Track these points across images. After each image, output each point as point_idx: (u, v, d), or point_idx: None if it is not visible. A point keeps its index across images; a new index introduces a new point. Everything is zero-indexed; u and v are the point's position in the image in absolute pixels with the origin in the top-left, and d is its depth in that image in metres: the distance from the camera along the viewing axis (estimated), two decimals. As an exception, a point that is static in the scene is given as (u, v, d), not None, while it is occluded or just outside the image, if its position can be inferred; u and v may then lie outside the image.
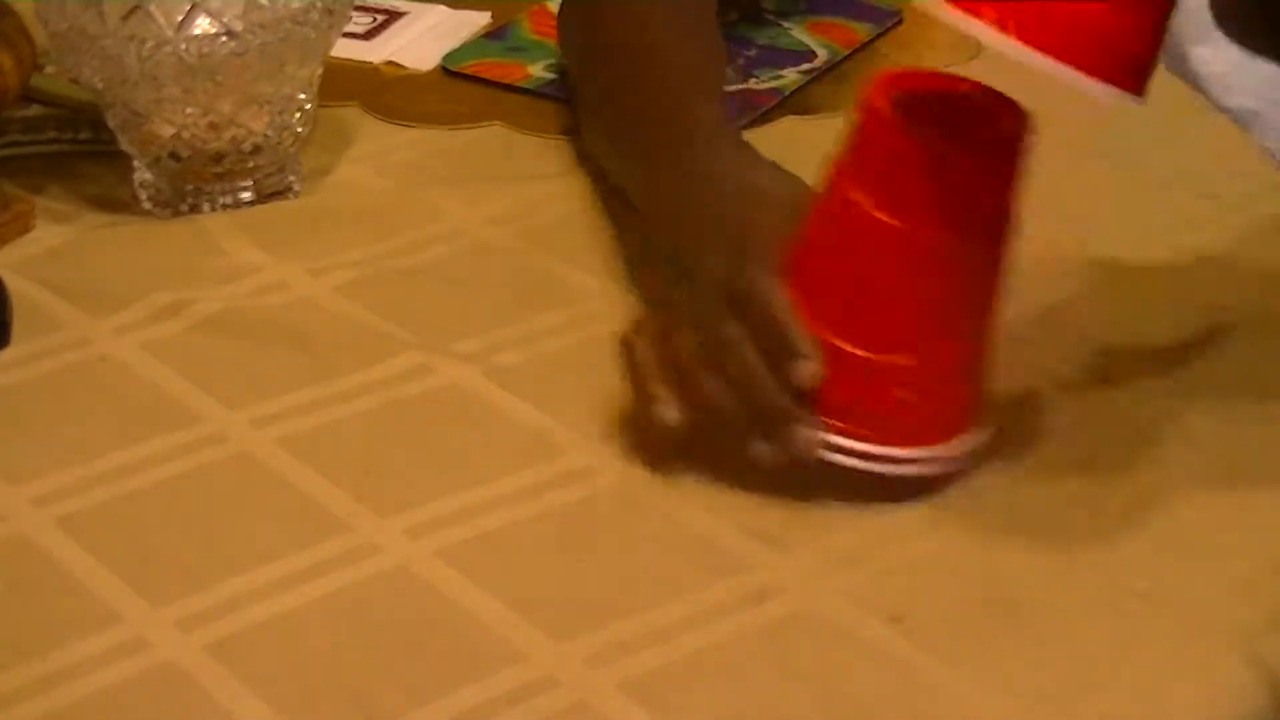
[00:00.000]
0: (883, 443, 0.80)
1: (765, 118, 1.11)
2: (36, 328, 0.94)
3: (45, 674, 0.74)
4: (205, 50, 0.97)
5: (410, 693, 0.73)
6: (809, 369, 0.79)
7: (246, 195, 1.03)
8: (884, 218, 0.78)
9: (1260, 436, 0.86)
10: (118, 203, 1.04)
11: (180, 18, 0.98)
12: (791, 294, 0.81)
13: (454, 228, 1.02)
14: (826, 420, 0.80)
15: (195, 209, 1.03)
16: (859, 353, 0.79)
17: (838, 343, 0.80)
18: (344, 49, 1.14)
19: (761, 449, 0.80)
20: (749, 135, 1.09)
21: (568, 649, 0.74)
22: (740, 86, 1.13)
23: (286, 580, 0.78)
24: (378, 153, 1.09)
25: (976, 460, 0.82)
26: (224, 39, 0.97)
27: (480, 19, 1.22)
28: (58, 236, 1.02)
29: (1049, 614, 0.76)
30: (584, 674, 0.73)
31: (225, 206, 1.03)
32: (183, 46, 0.97)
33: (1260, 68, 1.17)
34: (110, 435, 0.86)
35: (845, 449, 0.80)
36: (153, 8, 0.97)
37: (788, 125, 1.11)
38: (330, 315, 0.95)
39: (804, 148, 1.08)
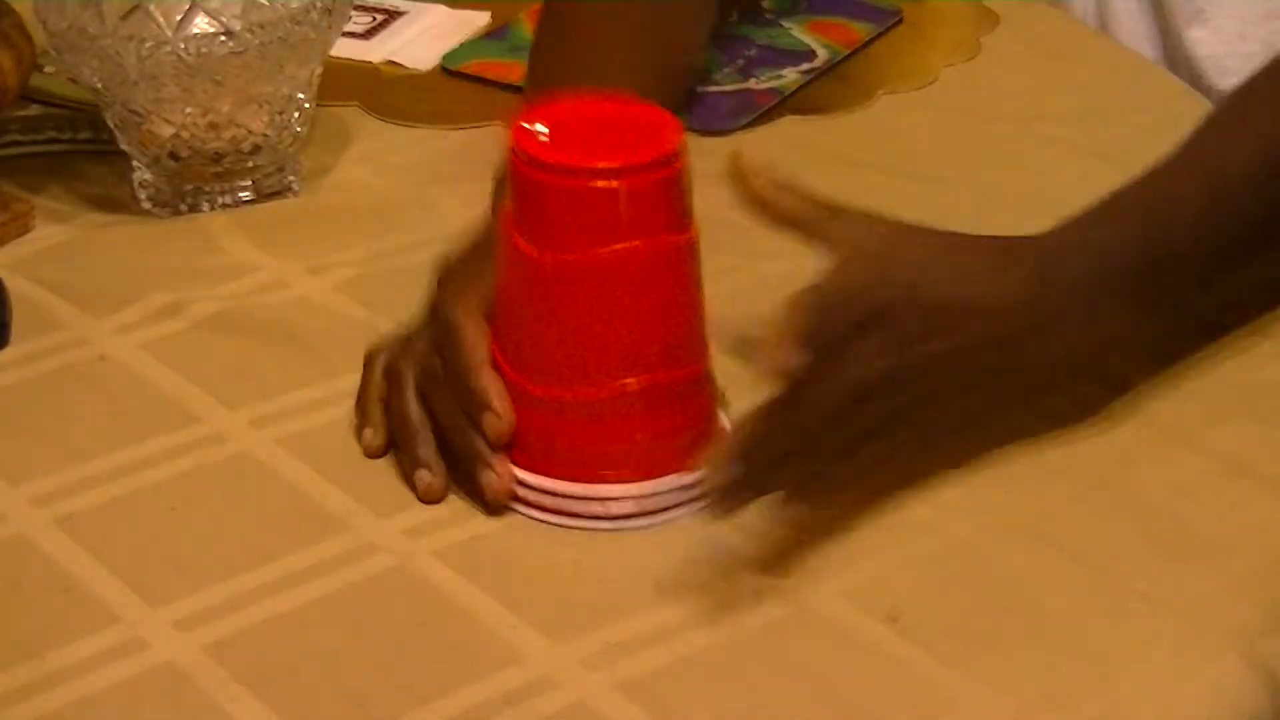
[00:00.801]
0: (582, 480, 0.80)
1: (765, 118, 1.11)
2: (36, 328, 0.94)
3: (44, 674, 0.74)
4: (204, 50, 0.97)
5: (408, 693, 0.73)
6: (491, 421, 0.79)
7: (246, 195, 1.04)
8: (526, 248, 0.78)
9: (1260, 436, 0.85)
10: (117, 202, 1.04)
11: (179, 17, 0.98)
12: (493, 337, 0.81)
13: (454, 228, 1.02)
14: (525, 463, 0.80)
15: (195, 209, 1.03)
16: (537, 391, 0.79)
17: (521, 382, 0.80)
18: (343, 48, 1.14)
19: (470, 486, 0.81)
20: (749, 135, 1.09)
21: (565, 649, 0.74)
22: (740, 86, 1.13)
23: (285, 580, 0.78)
24: (378, 153, 1.09)
25: (689, 496, 0.80)
26: (223, 39, 0.97)
27: (480, 19, 1.22)
28: (57, 236, 1.02)
29: (1047, 614, 0.76)
30: (582, 674, 0.73)
31: (225, 206, 1.03)
32: (181, 46, 0.97)
33: (1254, 49, 1.17)
34: (109, 435, 0.86)
35: (539, 488, 0.80)
36: (152, 7, 0.97)
37: (788, 125, 1.11)
38: (330, 315, 0.95)
39: (804, 148, 1.08)
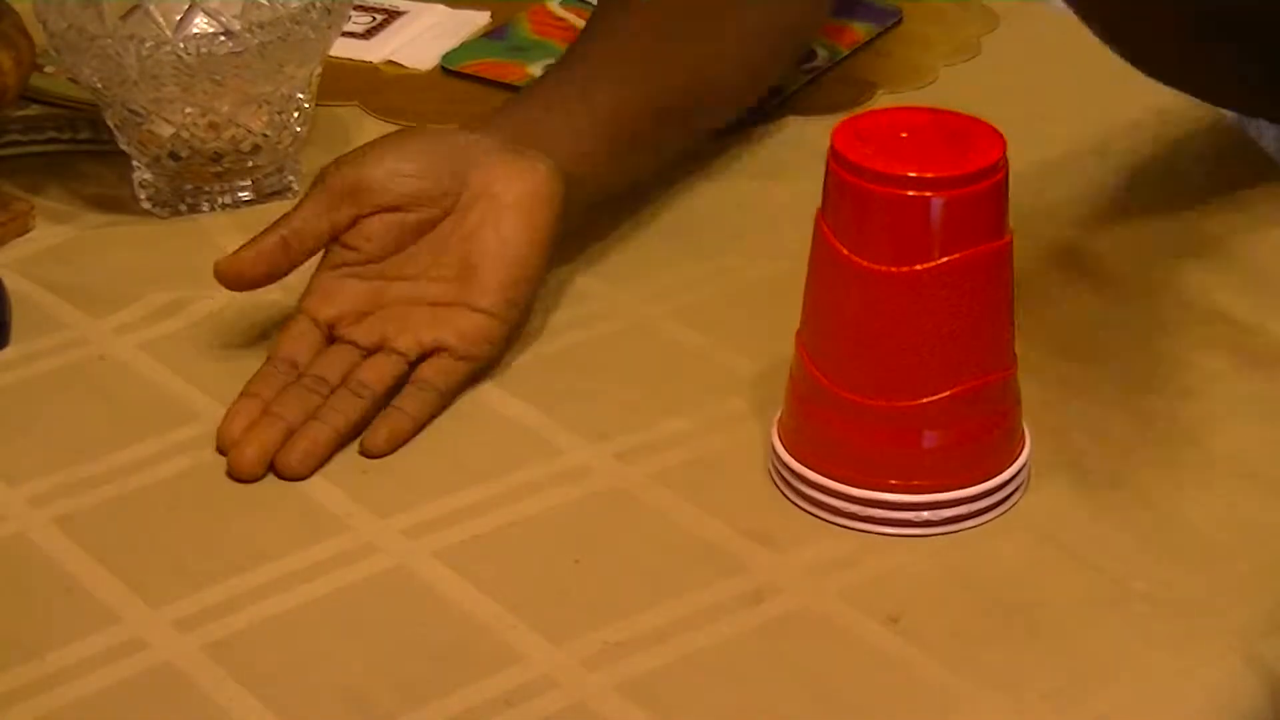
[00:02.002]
0: (881, 489, 0.79)
1: (765, 117, 1.11)
2: (36, 328, 0.94)
3: (43, 674, 0.74)
4: (204, 50, 0.97)
5: (407, 693, 0.73)
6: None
7: (245, 195, 1.03)
8: (857, 259, 0.77)
9: (1260, 437, 0.85)
10: (117, 203, 1.04)
11: (179, 17, 0.98)
12: (802, 341, 0.81)
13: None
14: (830, 468, 0.80)
15: (194, 209, 1.03)
16: (852, 399, 0.79)
17: (835, 389, 0.79)
18: (343, 48, 1.14)
19: None
20: (750, 135, 1.09)
21: (565, 650, 0.74)
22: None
23: (284, 580, 0.78)
24: (377, 152, 1.09)
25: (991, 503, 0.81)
26: (222, 38, 0.97)
27: (480, 19, 1.22)
28: (57, 236, 1.02)
29: (1047, 614, 0.76)
30: (581, 675, 0.73)
31: (224, 206, 1.03)
32: (181, 46, 0.97)
33: None
34: (109, 435, 0.86)
35: (845, 495, 0.80)
36: (151, 7, 0.97)
37: (788, 125, 1.11)
38: (329, 315, 0.95)
39: (805, 147, 1.08)
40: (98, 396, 0.90)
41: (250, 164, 1.03)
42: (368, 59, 1.18)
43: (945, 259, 0.76)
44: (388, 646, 0.75)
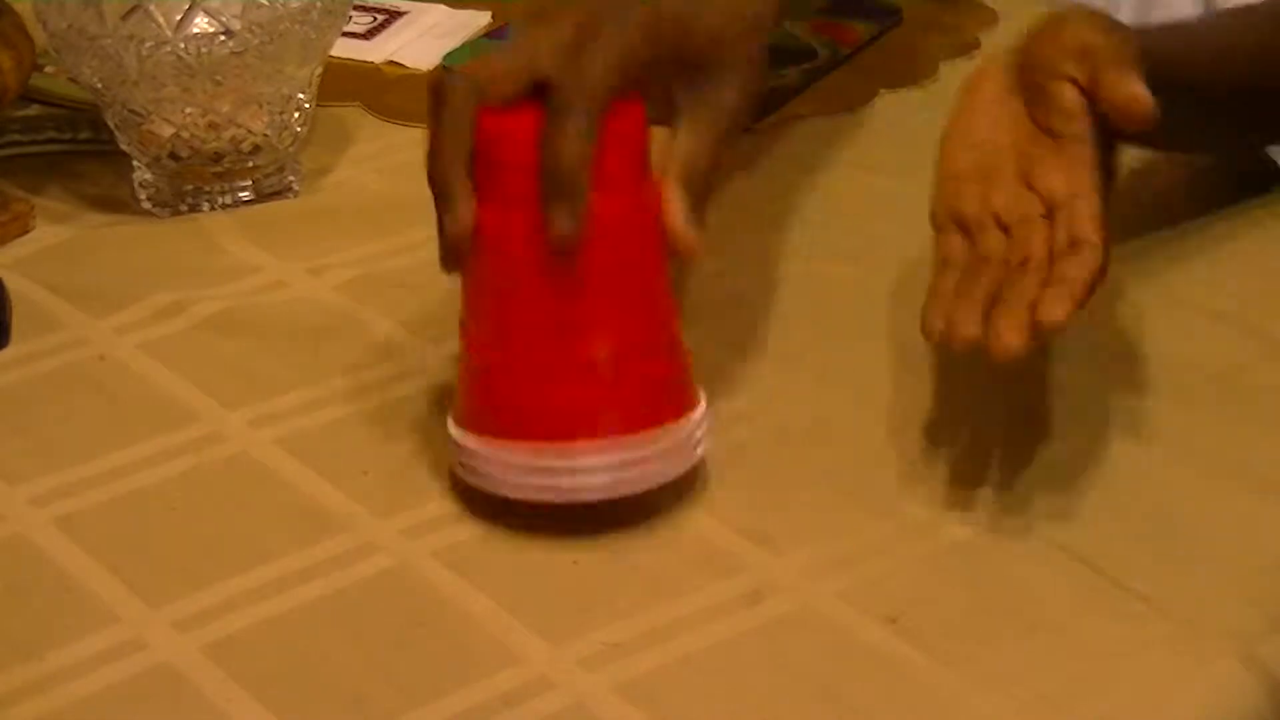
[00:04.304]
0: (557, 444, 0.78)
1: (765, 117, 1.11)
2: (36, 328, 0.94)
3: (42, 674, 0.74)
4: (204, 50, 0.97)
5: (406, 694, 0.73)
6: None
7: (246, 195, 1.04)
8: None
9: (1259, 438, 0.85)
10: (117, 203, 1.04)
11: (179, 17, 0.98)
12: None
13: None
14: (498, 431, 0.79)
15: (195, 209, 1.03)
16: (497, 355, 0.79)
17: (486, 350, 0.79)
18: (344, 48, 1.14)
19: None
20: (750, 134, 1.09)
21: (563, 650, 0.74)
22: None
23: (283, 581, 0.78)
24: (378, 153, 1.10)
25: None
26: (222, 38, 0.97)
27: (480, 19, 1.22)
28: (57, 236, 1.02)
29: (1046, 615, 0.76)
30: (580, 675, 0.73)
31: (225, 206, 1.03)
32: (181, 46, 0.97)
33: None
34: (109, 435, 0.87)
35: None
36: (151, 7, 0.98)
37: (788, 125, 1.11)
38: (330, 315, 0.95)
39: (804, 148, 1.08)
40: (98, 396, 0.90)
41: (250, 164, 1.03)
42: (369, 59, 1.18)
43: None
44: (386, 647, 0.75)
